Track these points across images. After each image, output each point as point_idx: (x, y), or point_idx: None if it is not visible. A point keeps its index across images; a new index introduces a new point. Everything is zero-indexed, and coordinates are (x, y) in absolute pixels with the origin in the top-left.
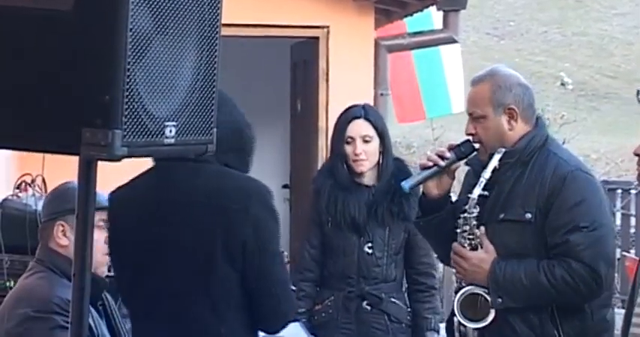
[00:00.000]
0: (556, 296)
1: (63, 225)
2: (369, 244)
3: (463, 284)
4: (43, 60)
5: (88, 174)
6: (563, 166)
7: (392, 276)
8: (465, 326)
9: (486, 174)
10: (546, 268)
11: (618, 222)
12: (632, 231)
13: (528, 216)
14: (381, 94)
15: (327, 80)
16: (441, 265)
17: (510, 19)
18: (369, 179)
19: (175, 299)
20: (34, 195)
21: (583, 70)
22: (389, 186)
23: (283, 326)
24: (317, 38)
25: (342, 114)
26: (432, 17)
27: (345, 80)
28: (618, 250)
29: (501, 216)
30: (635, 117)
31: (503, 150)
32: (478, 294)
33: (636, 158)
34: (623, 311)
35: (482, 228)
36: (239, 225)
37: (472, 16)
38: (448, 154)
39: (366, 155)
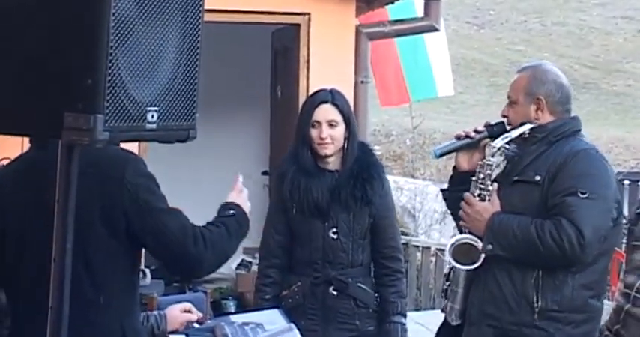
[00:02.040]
0: (542, 251)
1: None
2: (334, 229)
3: (460, 232)
4: (25, 44)
5: (69, 158)
6: (581, 145)
7: (358, 261)
8: (453, 272)
9: (514, 133)
10: (538, 223)
11: None
12: None
13: (537, 178)
14: (362, 82)
15: (308, 67)
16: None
17: (490, 9)
18: (333, 164)
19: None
20: None
21: (562, 60)
22: (353, 171)
23: (193, 268)
24: (298, 25)
25: (308, 98)
26: (414, 5)
27: (326, 67)
28: None
29: (515, 178)
30: (611, 108)
31: (536, 123)
32: (471, 244)
33: (614, 148)
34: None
35: (496, 185)
36: (117, 193)
37: (452, 4)
38: (481, 128)
39: (331, 139)
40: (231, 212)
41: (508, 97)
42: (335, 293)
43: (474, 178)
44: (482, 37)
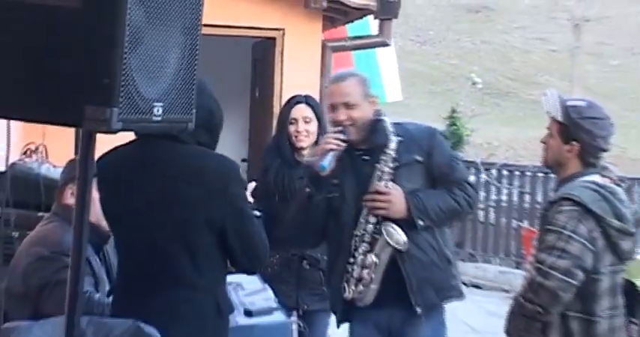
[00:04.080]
0: (461, 211)
1: (72, 188)
2: None
3: (376, 222)
4: (54, 48)
5: (88, 144)
6: (417, 124)
7: None
8: (377, 258)
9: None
10: (448, 192)
11: (515, 198)
12: (527, 205)
13: (418, 158)
14: (326, 87)
15: (282, 74)
16: None
17: (430, 29)
18: (307, 156)
19: (160, 260)
20: (37, 160)
21: (488, 73)
22: None
23: (260, 266)
24: (274, 38)
25: (287, 101)
26: (369, 24)
27: (296, 74)
28: (515, 221)
29: (396, 164)
30: (529, 113)
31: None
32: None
33: (530, 146)
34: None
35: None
36: (219, 202)
37: (399, 25)
38: (342, 137)
39: (307, 133)
40: (258, 214)
41: (345, 103)
42: (307, 267)
43: (378, 173)
44: (423, 53)
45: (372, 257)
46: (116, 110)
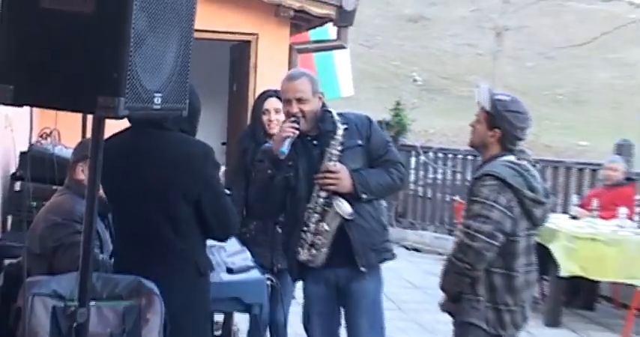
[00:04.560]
0: (394, 186)
1: (82, 166)
2: None
3: (326, 196)
4: (72, 48)
5: (99, 128)
6: (360, 116)
7: None
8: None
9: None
10: (385, 171)
11: (449, 177)
12: (458, 182)
13: (360, 142)
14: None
15: (256, 72)
16: None
17: (377, 35)
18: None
19: (148, 227)
20: (51, 142)
21: (426, 73)
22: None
23: (231, 235)
24: (249, 42)
25: (260, 95)
26: (328, 30)
27: (268, 72)
28: (448, 195)
29: (342, 147)
30: (459, 106)
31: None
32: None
33: (461, 134)
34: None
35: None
36: (198, 181)
37: (351, 31)
38: (296, 126)
39: (277, 122)
40: (228, 192)
41: (298, 99)
42: (280, 230)
43: (328, 154)
44: (371, 55)
45: (323, 226)
46: (123, 99)
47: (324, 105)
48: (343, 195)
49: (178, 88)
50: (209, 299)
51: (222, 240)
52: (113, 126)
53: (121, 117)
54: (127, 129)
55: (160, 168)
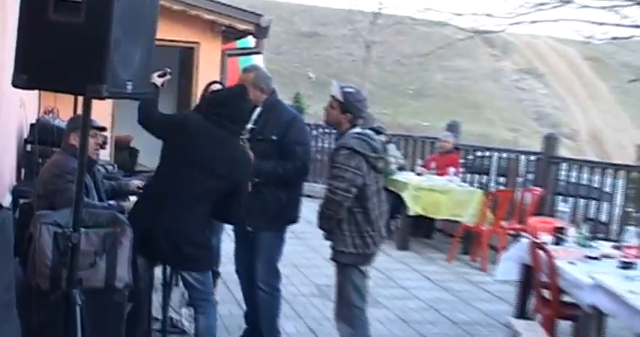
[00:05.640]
0: (283, 177)
1: (74, 134)
2: None
3: None
4: (69, 48)
5: (87, 107)
6: (290, 113)
7: None
8: None
9: (255, 115)
10: (281, 164)
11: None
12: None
13: (274, 137)
14: (222, 81)
15: (197, 70)
16: None
17: (283, 45)
18: None
19: (189, 190)
20: (52, 116)
21: (317, 72)
22: None
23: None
24: (193, 48)
25: (207, 85)
26: (250, 41)
27: (207, 72)
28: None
29: (259, 137)
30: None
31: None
32: None
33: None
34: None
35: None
36: (244, 180)
37: (265, 42)
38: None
39: None
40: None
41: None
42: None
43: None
44: (279, 60)
45: None
46: (105, 86)
47: (272, 100)
48: None
49: (143, 79)
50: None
51: (227, 222)
52: (97, 104)
53: (103, 98)
54: (197, 111)
55: (227, 158)
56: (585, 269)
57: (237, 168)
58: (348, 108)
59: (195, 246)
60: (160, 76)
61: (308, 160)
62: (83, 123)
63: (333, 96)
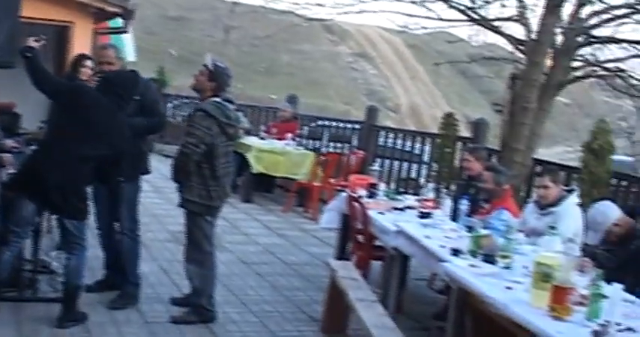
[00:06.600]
0: (148, 128)
1: None
2: None
3: None
4: None
5: None
6: (144, 79)
7: None
8: None
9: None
10: (147, 119)
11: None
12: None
13: (136, 97)
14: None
15: (72, 45)
16: None
17: (153, 26)
18: None
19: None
20: None
21: (182, 50)
22: None
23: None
24: (69, 26)
25: (79, 56)
26: (120, 21)
27: (80, 46)
28: None
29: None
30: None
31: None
32: None
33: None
34: None
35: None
36: (122, 148)
37: (137, 22)
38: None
39: (87, 73)
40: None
41: (107, 62)
42: None
43: None
44: (149, 39)
45: None
46: None
47: (129, 69)
48: None
49: (9, 50)
50: None
51: (103, 182)
52: None
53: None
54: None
55: (115, 127)
56: (391, 218)
57: (122, 138)
58: (215, 77)
59: (81, 199)
60: (35, 41)
61: (165, 114)
62: None
63: (205, 66)
